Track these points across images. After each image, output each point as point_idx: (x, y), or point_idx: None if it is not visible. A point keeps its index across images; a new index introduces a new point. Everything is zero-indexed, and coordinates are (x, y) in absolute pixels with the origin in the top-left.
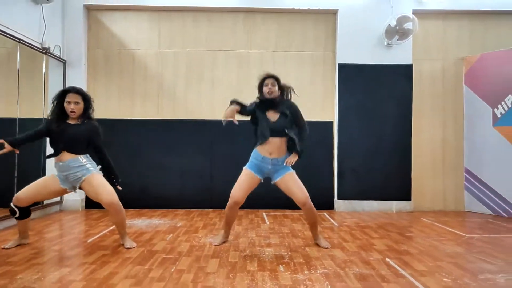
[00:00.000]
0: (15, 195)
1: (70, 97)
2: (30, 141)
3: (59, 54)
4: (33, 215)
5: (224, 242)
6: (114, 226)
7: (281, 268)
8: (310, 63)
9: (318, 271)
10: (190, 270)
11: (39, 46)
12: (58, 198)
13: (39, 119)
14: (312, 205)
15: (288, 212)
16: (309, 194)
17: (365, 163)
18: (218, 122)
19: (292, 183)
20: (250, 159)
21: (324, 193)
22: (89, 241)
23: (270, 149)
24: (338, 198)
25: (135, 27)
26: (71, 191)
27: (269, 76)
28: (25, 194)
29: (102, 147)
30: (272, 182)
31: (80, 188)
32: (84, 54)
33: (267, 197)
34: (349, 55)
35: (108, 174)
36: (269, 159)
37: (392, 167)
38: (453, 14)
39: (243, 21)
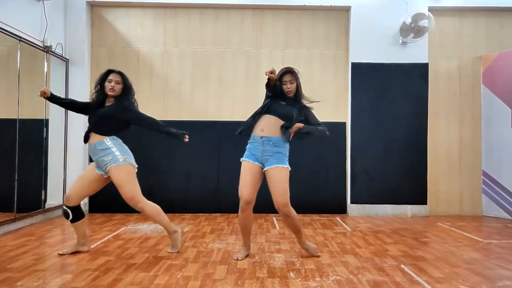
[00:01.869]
0: (65, 195)
1: (111, 76)
2: (63, 105)
3: (61, 52)
4: (34, 219)
5: (247, 255)
6: (118, 231)
7: (291, 274)
8: (321, 62)
9: (330, 278)
10: (197, 277)
11: (41, 44)
12: (60, 201)
13: (41, 120)
14: (292, 211)
15: (299, 217)
16: (321, 198)
17: (378, 165)
18: (226, 123)
19: (273, 180)
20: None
21: (337, 197)
22: (92, 246)
23: (262, 125)
24: (351, 202)
25: (139, 25)
26: (108, 177)
27: (287, 72)
28: (72, 190)
29: (141, 120)
30: (264, 170)
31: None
32: (87, 53)
33: None
34: (362, 54)
35: (170, 137)
36: (259, 136)
37: (407, 169)
38: (469, 11)
39: (252, 18)
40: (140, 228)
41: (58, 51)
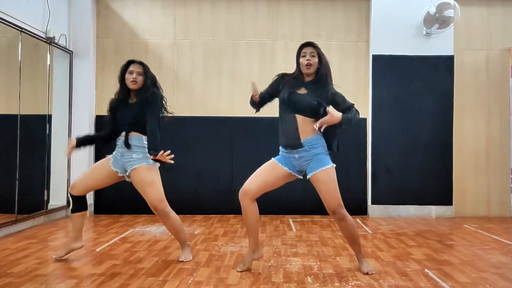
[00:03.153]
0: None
1: (132, 67)
2: (100, 140)
3: (65, 44)
4: (36, 221)
5: (258, 257)
6: (125, 233)
7: (309, 279)
8: (340, 54)
9: (350, 283)
10: (209, 282)
11: (43, 35)
12: (64, 203)
13: (43, 116)
14: (346, 215)
15: (316, 218)
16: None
17: (401, 163)
18: (239, 119)
19: (319, 186)
20: None
21: (357, 197)
22: (98, 250)
23: (302, 128)
24: (372, 203)
25: (148, 15)
26: (122, 176)
27: (308, 44)
28: (79, 178)
29: (148, 118)
30: (307, 178)
31: (128, 176)
32: (93, 44)
33: (294, 202)
34: (384, 45)
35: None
36: (302, 142)
37: (431, 168)
38: (498, 0)
39: (267, 8)
40: (148, 230)
41: (62, 42)
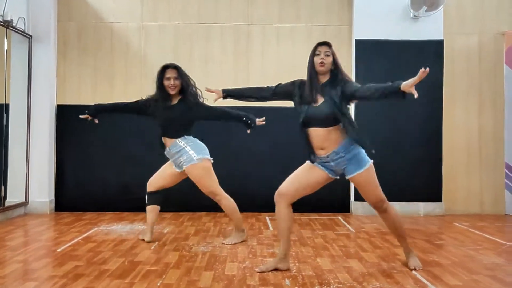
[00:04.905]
0: None
1: (168, 73)
2: (111, 112)
3: (23, 28)
4: None
5: (283, 269)
6: (89, 232)
7: (287, 282)
8: (321, 39)
9: (331, 286)
10: (179, 285)
11: (0, 18)
12: (22, 199)
13: None
14: (389, 206)
15: (296, 216)
16: (321, 195)
17: (386, 157)
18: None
19: (360, 187)
20: None
21: (339, 193)
22: (59, 250)
23: (317, 143)
24: (355, 199)
25: None
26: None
27: (323, 44)
28: (154, 176)
29: (211, 114)
30: (347, 178)
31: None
32: (53, 28)
33: (271, 198)
34: (367, 29)
35: (243, 123)
36: (325, 156)
37: (419, 162)
38: None
39: None
40: (114, 229)
41: (20, 26)
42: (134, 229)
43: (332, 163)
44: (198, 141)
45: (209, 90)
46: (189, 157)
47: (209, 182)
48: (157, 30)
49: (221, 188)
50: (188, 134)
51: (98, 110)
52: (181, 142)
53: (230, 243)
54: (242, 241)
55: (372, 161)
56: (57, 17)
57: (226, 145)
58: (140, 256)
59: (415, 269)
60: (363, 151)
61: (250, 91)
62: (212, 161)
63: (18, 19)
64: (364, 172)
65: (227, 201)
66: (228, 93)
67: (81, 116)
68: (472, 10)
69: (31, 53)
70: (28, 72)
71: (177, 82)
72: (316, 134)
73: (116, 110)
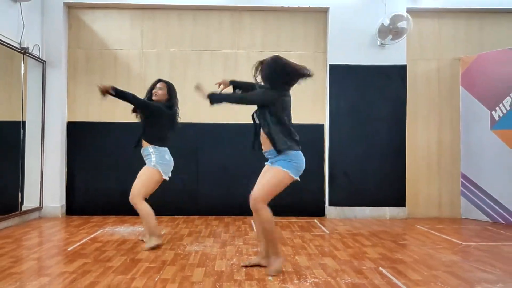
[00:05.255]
0: None
1: (159, 84)
2: (127, 100)
3: (38, 54)
4: (11, 222)
5: (265, 265)
6: (96, 234)
7: (269, 277)
8: (299, 63)
9: (308, 281)
10: (175, 280)
11: (17, 46)
12: (37, 204)
13: (17, 122)
14: (261, 209)
15: (277, 219)
16: (299, 200)
17: (357, 168)
18: (204, 125)
19: (261, 177)
20: None
21: (315, 199)
22: (69, 249)
23: (262, 140)
24: (329, 205)
25: (117, 26)
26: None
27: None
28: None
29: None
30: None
31: None
32: (64, 54)
33: None
34: (340, 55)
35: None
36: (264, 153)
37: (386, 172)
38: (449, 13)
39: (230, 20)
40: (117, 230)
41: (35, 52)
42: (135, 231)
43: (268, 162)
44: (166, 157)
45: (218, 83)
46: (150, 161)
47: (140, 187)
48: (155, 56)
49: (142, 200)
50: (161, 145)
51: (120, 95)
52: (151, 149)
53: (149, 246)
54: (157, 245)
55: (288, 172)
56: (67, 45)
57: (216, 156)
58: (140, 254)
59: (271, 275)
60: (291, 161)
61: (252, 86)
62: (167, 179)
63: (33, 47)
64: (278, 169)
65: (143, 208)
66: (234, 84)
67: (99, 86)
68: (432, 38)
69: (45, 76)
70: (42, 93)
71: (160, 92)
72: (261, 132)
73: (132, 102)
